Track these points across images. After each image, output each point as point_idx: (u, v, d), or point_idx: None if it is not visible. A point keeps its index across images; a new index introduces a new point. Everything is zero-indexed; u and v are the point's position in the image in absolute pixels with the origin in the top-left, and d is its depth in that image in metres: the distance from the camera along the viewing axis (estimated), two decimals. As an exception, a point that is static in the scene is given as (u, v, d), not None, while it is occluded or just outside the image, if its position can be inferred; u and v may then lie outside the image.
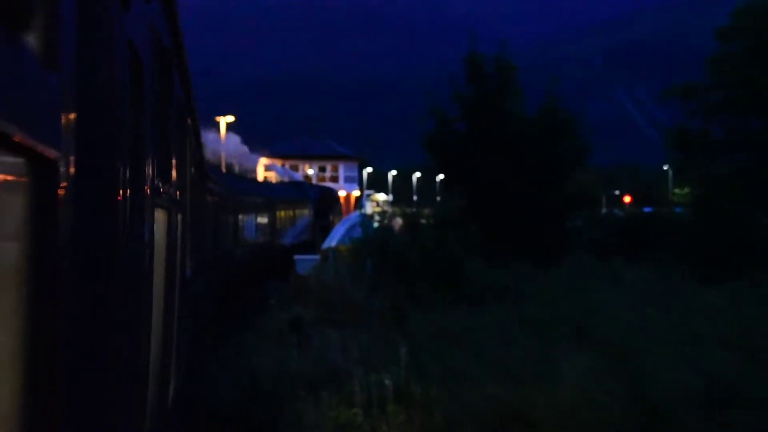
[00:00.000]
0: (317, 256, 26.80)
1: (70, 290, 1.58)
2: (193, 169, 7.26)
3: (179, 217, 4.99)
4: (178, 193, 4.82)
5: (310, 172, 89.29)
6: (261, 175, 74.60)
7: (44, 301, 1.43)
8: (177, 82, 4.72)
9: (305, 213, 44.41)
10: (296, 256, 27.50)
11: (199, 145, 9.46)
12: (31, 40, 1.36)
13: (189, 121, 6.54)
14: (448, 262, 19.26)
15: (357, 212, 48.18)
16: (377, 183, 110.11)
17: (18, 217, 1.39)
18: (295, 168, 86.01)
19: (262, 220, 30.04)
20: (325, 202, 50.20)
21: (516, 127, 25.58)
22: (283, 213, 36.22)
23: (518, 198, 24.62)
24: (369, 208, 68.93)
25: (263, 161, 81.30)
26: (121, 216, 2.21)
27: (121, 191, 2.21)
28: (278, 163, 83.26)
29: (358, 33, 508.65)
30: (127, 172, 2.33)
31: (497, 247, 22.56)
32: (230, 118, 64.20)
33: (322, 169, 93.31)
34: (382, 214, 29.12)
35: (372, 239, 21.83)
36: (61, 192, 1.48)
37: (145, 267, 2.92)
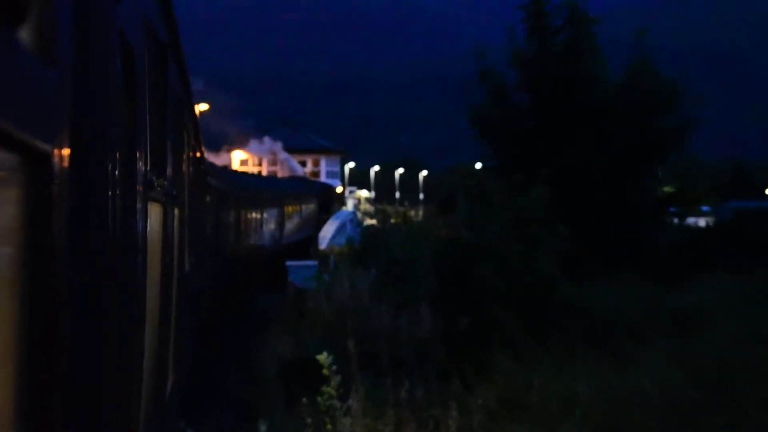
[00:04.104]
0: (314, 262, 23.10)
1: (63, 285, 1.57)
2: (191, 164, 7.19)
3: (176, 211, 4.97)
4: (174, 187, 4.80)
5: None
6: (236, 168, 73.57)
7: (36, 296, 1.42)
8: (173, 74, 4.68)
9: (311, 208, 45.07)
10: (289, 263, 23.16)
11: (198, 140, 9.30)
12: (27, 33, 1.34)
13: (186, 114, 6.49)
14: (541, 282, 14.11)
15: (344, 210, 48.54)
16: (357, 179, 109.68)
17: (11, 213, 1.38)
18: (273, 162, 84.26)
19: (269, 216, 28.77)
20: (326, 198, 51.62)
21: (600, 95, 19.93)
22: (290, 208, 35.99)
23: (615, 189, 19.19)
24: (351, 206, 68.59)
25: (238, 155, 79.60)
26: (114, 210, 2.20)
27: (114, 185, 2.20)
28: (253, 157, 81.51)
29: (333, 28, 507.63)
30: (121, 165, 2.31)
31: (591, 257, 17.18)
32: (204, 107, 63.52)
33: (302, 164, 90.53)
34: (384, 212, 25.52)
35: (380, 243, 17.82)
36: (54, 187, 1.47)
37: (140, 261, 2.91)
